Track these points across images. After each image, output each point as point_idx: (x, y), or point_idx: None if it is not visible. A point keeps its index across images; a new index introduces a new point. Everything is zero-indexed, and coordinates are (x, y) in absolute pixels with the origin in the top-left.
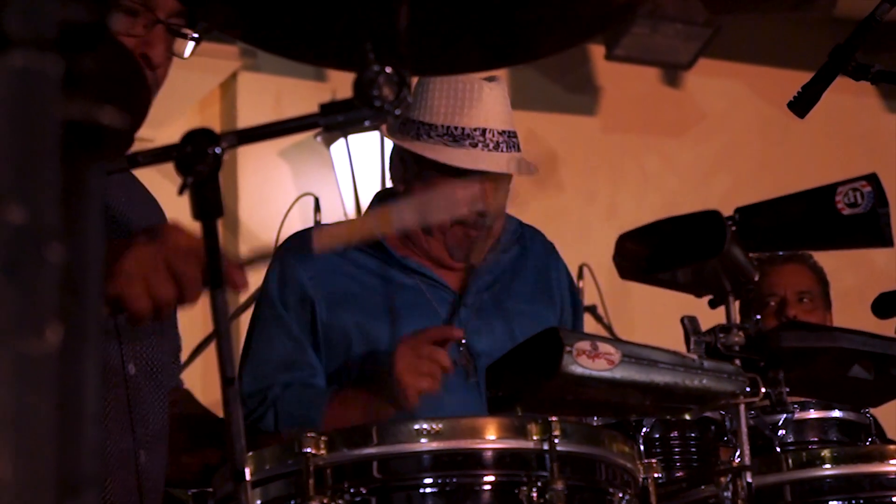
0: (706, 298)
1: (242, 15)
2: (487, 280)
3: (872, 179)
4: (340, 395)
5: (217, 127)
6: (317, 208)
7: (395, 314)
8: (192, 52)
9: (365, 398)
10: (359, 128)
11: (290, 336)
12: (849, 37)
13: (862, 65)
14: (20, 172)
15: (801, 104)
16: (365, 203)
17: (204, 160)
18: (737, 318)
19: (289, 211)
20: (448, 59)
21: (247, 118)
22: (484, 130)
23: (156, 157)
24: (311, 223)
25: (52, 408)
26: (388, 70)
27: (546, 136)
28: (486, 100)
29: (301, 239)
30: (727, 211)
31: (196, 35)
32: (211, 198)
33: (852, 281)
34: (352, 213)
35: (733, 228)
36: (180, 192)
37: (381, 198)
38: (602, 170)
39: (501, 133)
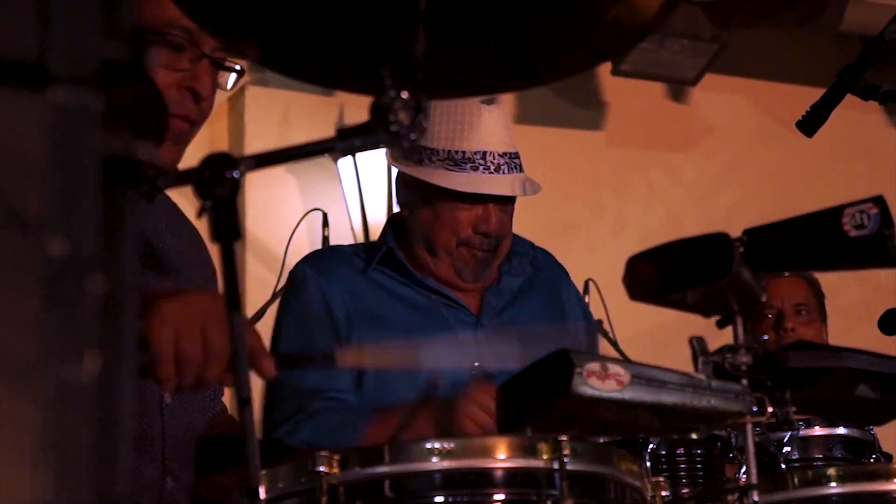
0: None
1: (260, 39)
2: (502, 301)
3: (879, 202)
4: (380, 414)
5: (225, 141)
6: (325, 223)
7: (415, 334)
8: (235, 85)
9: (405, 416)
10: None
11: (325, 342)
12: (857, 57)
13: (870, 85)
14: (63, 205)
15: (810, 124)
16: (373, 219)
17: (223, 184)
18: (743, 339)
19: (297, 226)
20: (462, 83)
21: (254, 133)
22: (484, 153)
23: (175, 180)
24: (319, 238)
25: (91, 432)
26: (405, 95)
27: (552, 150)
28: (485, 123)
29: (320, 258)
30: (733, 224)
31: (238, 67)
32: (229, 220)
33: (857, 296)
34: (359, 229)
35: (741, 250)
36: (199, 215)
37: (393, 222)
38: (608, 184)
39: (502, 155)
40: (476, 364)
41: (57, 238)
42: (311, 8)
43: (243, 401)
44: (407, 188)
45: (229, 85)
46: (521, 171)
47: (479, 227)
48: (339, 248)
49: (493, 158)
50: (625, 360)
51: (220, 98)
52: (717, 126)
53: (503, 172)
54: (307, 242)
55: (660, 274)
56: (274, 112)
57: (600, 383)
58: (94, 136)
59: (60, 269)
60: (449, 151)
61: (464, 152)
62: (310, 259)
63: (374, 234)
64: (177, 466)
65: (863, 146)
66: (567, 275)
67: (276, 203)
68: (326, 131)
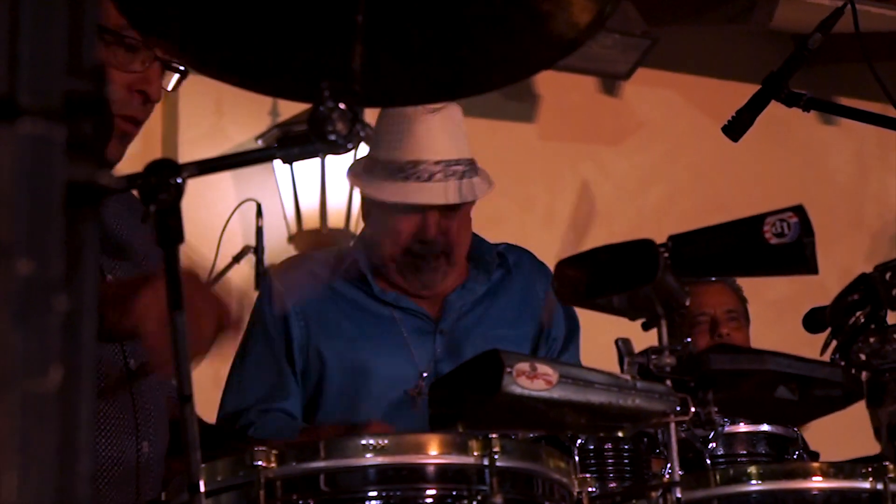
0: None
1: (200, 47)
2: (461, 307)
3: (799, 211)
4: (310, 429)
5: (159, 130)
6: (259, 214)
7: (370, 344)
8: (177, 85)
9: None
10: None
11: (275, 361)
12: (781, 65)
13: (794, 93)
14: (30, 229)
15: (735, 129)
16: (306, 209)
17: (167, 190)
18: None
19: (230, 216)
20: (399, 93)
21: (188, 122)
22: (416, 163)
23: (123, 186)
24: (252, 229)
25: (54, 439)
26: (342, 106)
27: (484, 142)
28: (421, 131)
29: (289, 266)
30: (663, 219)
31: (183, 69)
32: (173, 226)
33: (785, 291)
34: (292, 219)
35: (666, 256)
36: (143, 220)
37: (363, 238)
38: (539, 177)
39: (437, 163)
40: (425, 374)
41: (24, 259)
42: (252, 19)
43: (184, 398)
44: (362, 198)
45: (170, 86)
46: (463, 176)
47: (419, 234)
48: (309, 256)
49: (427, 167)
50: (554, 360)
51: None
52: (648, 120)
53: (437, 180)
54: (240, 232)
55: (587, 279)
56: (208, 100)
57: (529, 382)
58: (57, 164)
59: (27, 289)
60: (385, 163)
61: (396, 162)
62: (278, 269)
63: (308, 224)
64: (151, 431)
65: (794, 143)
66: (548, 273)
67: (211, 193)
68: (260, 123)
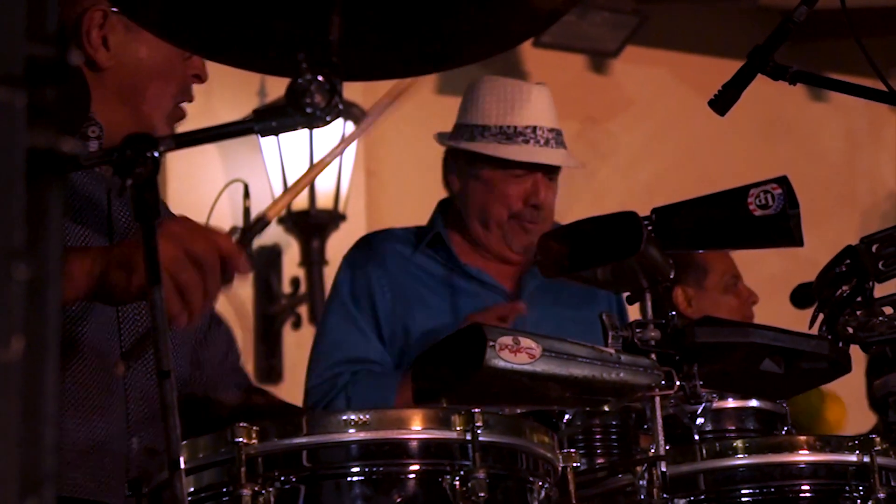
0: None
1: (180, 22)
2: (538, 281)
3: (783, 182)
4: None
5: None
6: (246, 195)
7: (454, 316)
8: None
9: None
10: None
11: (359, 331)
12: (767, 38)
13: (780, 65)
14: None
15: (722, 103)
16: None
17: (143, 163)
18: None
19: (218, 197)
20: (379, 65)
21: None
22: (535, 128)
23: (97, 159)
24: (240, 209)
25: (16, 410)
26: (320, 78)
27: None
28: (534, 100)
29: (370, 241)
30: (654, 196)
31: None
32: (150, 199)
33: (778, 268)
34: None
35: (650, 228)
36: (119, 193)
37: (442, 207)
38: None
39: (551, 130)
40: None
41: None
42: None
43: (163, 373)
44: (458, 168)
45: None
46: (564, 146)
47: (530, 199)
48: (390, 232)
49: (543, 133)
50: (537, 335)
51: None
52: (638, 98)
53: (552, 146)
54: (229, 213)
55: (571, 251)
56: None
57: (512, 356)
58: (19, 131)
59: None
60: (501, 127)
61: (515, 126)
62: (360, 245)
63: (297, 205)
64: (142, 427)
65: (782, 120)
66: None
67: (198, 174)
68: (249, 102)
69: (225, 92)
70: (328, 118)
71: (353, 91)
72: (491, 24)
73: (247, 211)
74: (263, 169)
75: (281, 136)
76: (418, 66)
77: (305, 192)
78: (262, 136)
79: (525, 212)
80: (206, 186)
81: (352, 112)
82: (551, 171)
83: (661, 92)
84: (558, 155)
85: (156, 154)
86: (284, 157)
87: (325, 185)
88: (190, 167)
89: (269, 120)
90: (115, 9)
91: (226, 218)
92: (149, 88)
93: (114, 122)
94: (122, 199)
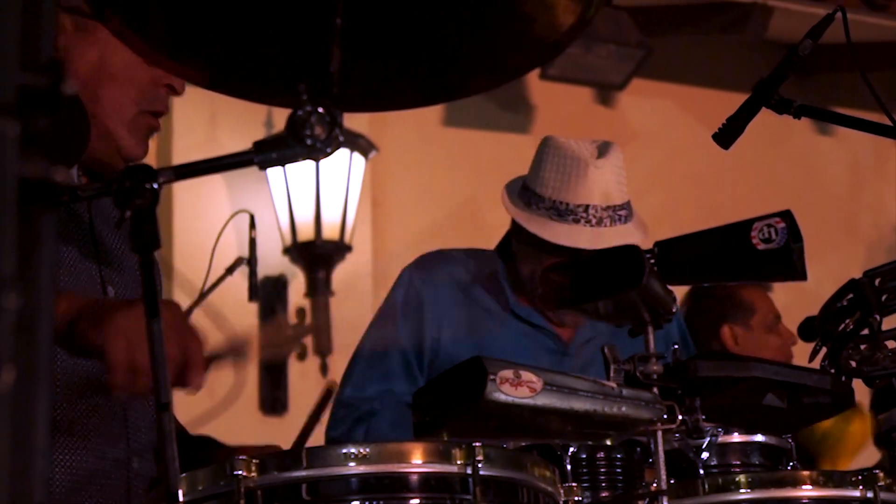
0: None
1: (183, 53)
2: (591, 332)
3: (787, 216)
4: None
5: (153, 141)
6: (252, 225)
7: (499, 353)
8: None
9: None
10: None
11: (401, 351)
12: (771, 71)
13: (784, 99)
14: None
15: (725, 136)
16: (300, 220)
17: (142, 195)
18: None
19: (224, 228)
20: (383, 96)
21: (182, 133)
22: (587, 207)
23: (96, 191)
24: (246, 240)
25: (6, 441)
26: (321, 110)
27: (480, 153)
28: (591, 175)
29: (428, 261)
30: (659, 229)
31: None
32: (148, 231)
33: (784, 301)
34: (287, 230)
35: (652, 262)
36: (118, 225)
37: (503, 248)
38: None
39: (605, 209)
40: None
41: None
42: (230, 23)
43: (162, 406)
44: (518, 229)
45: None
46: (625, 220)
47: None
48: (449, 255)
49: (596, 212)
50: (538, 368)
51: None
52: (643, 130)
53: (605, 225)
54: (235, 244)
55: (572, 284)
56: (202, 112)
57: (513, 390)
58: (10, 160)
59: None
60: (554, 201)
61: (567, 204)
62: (418, 264)
63: (302, 235)
64: (141, 448)
65: (788, 152)
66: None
67: (204, 205)
68: (254, 133)
69: (231, 123)
70: (328, 150)
71: (359, 122)
72: (495, 56)
73: (252, 242)
74: (270, 200)
75: (288, 167)
76: (422, 97)
77: (311, 223)
78: (262, 168)
79: None
80: (213, 217)
81: (358, 143)
82: None
83: (667, 124)
84: (609, 235)
85: (155, 185)
86: (291, 188)
87: (330, 215)
88: (196, 199)
89: (269, 151)
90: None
91: (232, 249)
92: (104, 92)
93: None
94: (103, 217)
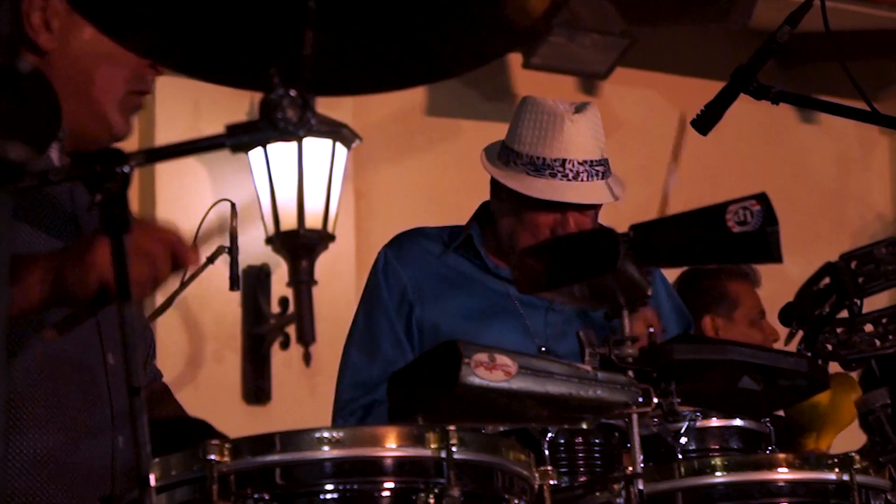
0: None
1: (155, 37)
2: None
3: (762, 199)
4: None
5: (136, 131)
6: (233, 214)
7: (484, 316)
8: None
9: None
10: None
11: (394, 334)
12: (750, 58)
13: (763, 85)
14: None
15: (704, 122)
16: (284, 210)
17: (113, 178)
18: (630, 332)
19: (205, 217)
20: (356, 80)
21: (165, 123)
22: (564, 161)
23: (67, 174)
24: (227, 229)
25: None
26: (293, 93)
27: (463, 142)
28: (568, 130)
29: (401, 238)
30: (644, 218)
31: None
32: (119, 215)
33: (768, 290)
34: (270, 220)
35: (627, 245)
36: (89, 209)
37: (482, 210)
38: None
39: (582, 163)
40: (542, 348)
41: None
42: (204, 6)
43: (134, 390)
44: (496, 189)
45: None
46: (602, 177)
47: (558, 229)
48: (423, 231)
49: (573, 166)
50: (513, 352)
51: None
52: (628, 120)
53: (582, 180)
54: (217, 233)
55: (547, 268)
56: (185, 102)
57: (488, 373)
58: None
59: None
60: (531, 157)
61: (544, 159)
62: (391, 243)
63: (285, 224)
64: (126, 426)
65: (774, 142)
66: (657, 274)
67: (187, 194)
68: (237, 119)
69: (214, 112)
70: (300, 133)
71: (342, 112)
72: (466, 40)
73: (233, 230)
74: (253, 189)
75: (271, 156)
76: (395, 81)
77: (294, 213)
78: (234, 151)
79: None
80: (196, 206)
81: (340, 133)
82: (584, 205)
83: (651, 113)
84: (587, 189)
85: (125, 169)
86: (274, 177)
87: (313, 204)
88: (180, 188)
89: (241, 135)
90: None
91: (212, 238)
92: (97, 72)
93: (64, 111)
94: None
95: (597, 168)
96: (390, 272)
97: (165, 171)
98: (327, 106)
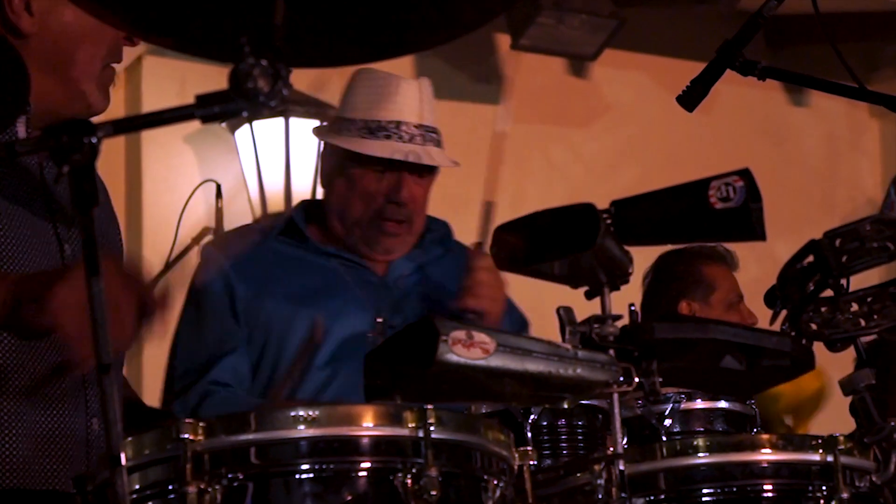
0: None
1: (128, 8)
2: (408, 268)
3: (745, 175)
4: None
5: (121, 112)
6: (218, 195)
7: (315, 295)
8: None
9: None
10: (261, 114)
11: (219, 319)
12: (736, 33)
13: (749, 61)
14: None
15: (690, 98)
16: (270, 190)
17: (80, 150)
18: (611, 310)
19: (190, 197)
20: (330, 52)
21: (151, 103)
22: (399, 123)
23: (33, 145)
24: (213, 209)
25: None
26: (264, 62)
27: (451, 124)
28: (402, 94)
29: (223, 236)
30: None
31: None
32: (87, 188)
33: (755, 272)
34: (256, 200)
35: (608, 221)
36: (56, 180)
37: (306, 204)
38: (507, 160)
39: (417, 126)
40: (379, 320)
41: None
42: None
43: (102, 367)
44: (327, 161)
45: None
46: (438, 145)
47: (392, 195)
48: (244, 226)
49: (408, 129)
50: (491, 329)
51: (118, 68)
52: (617, 102)
53: (417, 143)
54: (203, 213)
55: (526, 244)
56: (171, 82)
57: (465, 351)
58: None
59: None
60: (365, 121)
61: (378, 121)
62: (215, 240)
63: (273, 206)
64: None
65: (763, 123)
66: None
67: (173, 174)
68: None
69: (201, 90)
70: (272, 103)
71: (330, 94)
72: (441, 11)
73: (219, 211)
74: (239, 170)
75: (258, 137)
76: (368, 53)
77: (281, 194)
78: (204, 122)
79: (387, 209)
80: (182, 186)
81: (328, 114)
82: (419, 169)
83: (640, 95)
84: (423, 151)
85: (93, 140)
86: (260, 158)
87: (300, 186)
88: (165, 167)
89: (211, 105)
90: None
91: (199, 218)
92: (78, 53)
93: (41, 91)
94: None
95: (431, 135)
96: (212, 264)
97: (152, 152)
98: (314, 86)
